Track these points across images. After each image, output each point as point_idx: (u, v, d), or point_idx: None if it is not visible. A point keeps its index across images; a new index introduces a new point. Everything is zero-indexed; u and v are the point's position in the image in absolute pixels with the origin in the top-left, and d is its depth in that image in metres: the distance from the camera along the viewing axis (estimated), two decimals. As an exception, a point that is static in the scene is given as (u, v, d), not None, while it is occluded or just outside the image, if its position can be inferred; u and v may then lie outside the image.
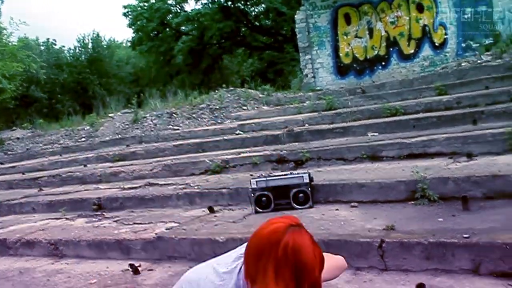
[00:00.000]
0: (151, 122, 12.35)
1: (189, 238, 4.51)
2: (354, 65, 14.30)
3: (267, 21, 28.21)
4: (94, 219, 6.34)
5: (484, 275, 3.11)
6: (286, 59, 26.09)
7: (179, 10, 26.90)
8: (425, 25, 13.30)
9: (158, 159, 8.81)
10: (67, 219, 6.68)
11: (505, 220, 3.57)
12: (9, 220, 7.34)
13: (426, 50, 13.34)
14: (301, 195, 4.99)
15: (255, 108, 11.80)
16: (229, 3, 24.96)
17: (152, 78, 34.01)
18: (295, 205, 4.99)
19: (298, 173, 5.16)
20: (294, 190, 5.00)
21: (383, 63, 13.98)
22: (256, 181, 5.14)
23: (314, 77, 14.45)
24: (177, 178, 7.46)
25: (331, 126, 7.96)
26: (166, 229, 5.00)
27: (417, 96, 9.21)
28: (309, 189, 4.97)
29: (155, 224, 5.34)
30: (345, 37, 14.35)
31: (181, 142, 9.75)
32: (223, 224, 4.79)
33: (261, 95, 12.91)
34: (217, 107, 12.13)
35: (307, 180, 4.99)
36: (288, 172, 5.46)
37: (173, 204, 6.19)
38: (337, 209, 4.74)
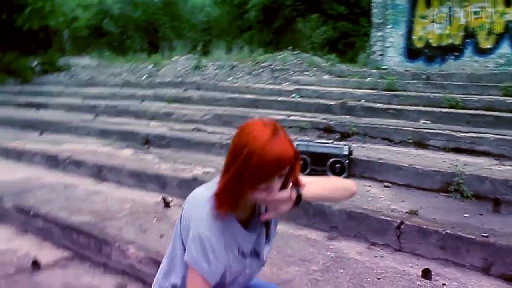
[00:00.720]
0: (212, 71, 12.55)
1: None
2: (426, 51, 13.89)
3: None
4: (140, 152, 6.65)
5: (493, 276, 3.14)
6: (359, 33, 25.54)
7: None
8: (509, 21, 12.72)
9: (211, 107, 9.00)
10: (115, 147, 7.02)
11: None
12: (63, 139, 7.77)
13: (505, 48, 12.76)
14: (337, 165, 5.07)
15: (316, 75, 11.76)
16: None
17: (222, 29, 34.13)
18: (330, 174, 5.08)
19: (339, 144, 5.23)
20: (332, 160, 5.08)
21: (456, 54, 13.51)
22: (297, 144, 5.24)
23: (382, 55, 14.16)
24: (225, 128, 7.64)
25: (386, 106, 7.89)
26: (203, 172, 5.21)
27: (482, 92, 8.92)
28: (347, 161, 5.04)
29: (194, 166, 5.56)
30: (422, 20, 13.91)
31: (236, 95, 9.90)
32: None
33: (324, 64, 12.83)
34: (279, 68, 12.17)
35: (346, 152, 5.06)
36: (330, 141, 5.53)
37: (216, 152, 6.38)
38: (369, 185, 4.80)
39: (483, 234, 3.28)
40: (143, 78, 13.16)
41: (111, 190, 5.34)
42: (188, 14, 41.12)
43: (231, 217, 1.69)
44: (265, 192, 1.59)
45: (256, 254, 1.84)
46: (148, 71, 13.76)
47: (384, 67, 13.52)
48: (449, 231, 3.35)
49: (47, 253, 3.97)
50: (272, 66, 12.34)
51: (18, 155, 6.93)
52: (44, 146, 7.08)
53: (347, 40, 26.50)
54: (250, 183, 1.56)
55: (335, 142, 5.51)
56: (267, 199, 1.62)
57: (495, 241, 3.19)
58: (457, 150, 5.79)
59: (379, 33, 14.17)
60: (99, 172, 5.87)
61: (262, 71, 12.15)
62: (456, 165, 4.55)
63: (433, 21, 13.78)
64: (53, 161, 6.46)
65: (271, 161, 1.53)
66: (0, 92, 13.51)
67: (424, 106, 8.06)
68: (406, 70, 12.08)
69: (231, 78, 11.89)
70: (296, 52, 13.66)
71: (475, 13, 13.11)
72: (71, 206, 4.65)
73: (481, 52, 13.11)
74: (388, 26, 14.15)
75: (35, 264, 3.66)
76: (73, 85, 13.55)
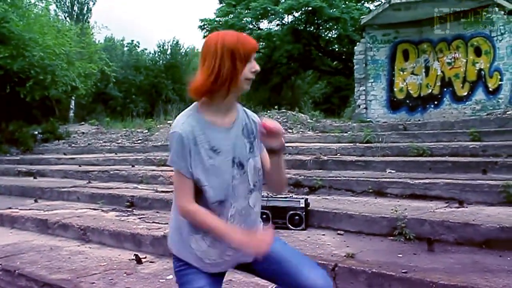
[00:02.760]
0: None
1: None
2: (407, 101, 14.59)
3: (339, 46, 28.66)
4: (123, 214, 7.14)
5: (412, 308, 3.55)
6: (352, 86, 26.44)
7: (254, 27, 27.87)
8: (481, 69, 13.40)
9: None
10: (102, 210, 7.52)
11: (452, 263, 3.98)
12: (55, 205, 8.29)
13: (480, 94, 13.42)
14: (296, 217, 5.53)
15: (300, 132, 12.35)
16: (301, 26, 25.63)
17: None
18: (290, 225, 5.54)
19: (296, 197, 5.72)
20: (291, 212, 5.55)
21: (436, 102, 14.18)
22: (259, 200, 5.73)
23: (366, 108, 14.84)
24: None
25: (354, 158, 8.40)
26: (175, 231, 5.68)
27: (451, 139, 9.43)
28: (304, 213, 5.51)
29: (169, 225, 6.02)
30: (401, 72, 14.68)
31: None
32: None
33: (309, 120, 13.46)
34: (265, 127, 12.74)
35: (302, 205, 5.53)
36: (288, 195, 6.01)
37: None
38: (323, 234, 5.25)
39: (403, 271, 3.71)
40: (137, 143, 13.80)
41: (92, 250, 5.80)
42: (189, 76, 42.43)
43: (200, 114, 2.12)
44: (250, 71, 2.09)
45: (240, 164, 2.14)
46: (142, 135, 14.43)
47: (369, 119, 14.15)
48: (374, 270, 3.78)
49: (28, 310, 4.41)
50: (259, 126, 12.91)
51: (11, 221, 7.43)
52: (36, 212, 7.60)
53: (340, 94, 27.41)
54: (241, 64, 2.04)
55: (294, 196, 6.00)
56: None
57: (411, 276, 3.62)
58: (413, 196, 6.24)
59: (362, 88, 14.89)
60: (84, 234, 6.35)
61: (248, 130, 12.71)
62: (396, 210, 5.00)
63: (412, 73, 14.52)
64: (43, 226, 6.95)
65: (251, 41, 2.09)
66: (3, 161, 14.16)
67: (394, 156, 8.56)
68: (384, 122, 12.65)
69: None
70: (282, 110, 14.32)
71: (448, 63, 13.86)
72: (53, 265, 5.11)
73: (459, 99, 13.78)
74: (370, 81, 14.90)
75: (13, 319, 4.11)
76: (71, 152, 14.20)
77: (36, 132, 16.50)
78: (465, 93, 13.67)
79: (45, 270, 4.89)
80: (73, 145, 15.25)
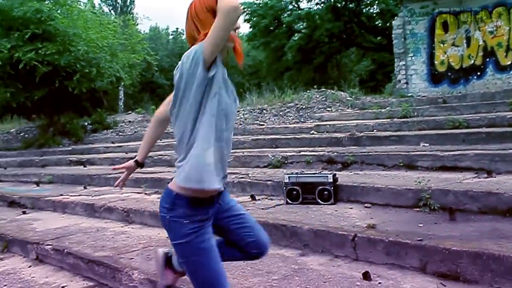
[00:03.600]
0: (242, 116, 13.43)
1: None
2: (449, 74, 14.33)
3: (382, 22, 28.24)
4: (164, 196, 7.50)
5: (429, 274, 3.67)
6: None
7: (294, 7, 27.83)
8: (525, 36, 13.04)
9: (235, 150, 9.80)
10: (145, 193, 7.93)
11: (470, 231, 4.08)
12: (102, 190, 8.77)
13: (525, 62, 13.08)
14: (325, 192, 5.71)
15: (339, 110, 12.42)
16: (341, 3, 25.40)
17: (264, 73, 35.40)
18: (319, 200, 5.72)
19: (324, 173, 5.89)
20: (320, 188, 5.73)
21: (479, 73, 13.89)
22: (288, 177, 5.95)
23: (407, 83, 14.69)
24: (243, 169, 8.41)
25: (388, 133, 8.47)
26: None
27: (490, 110, 9.35)
28: (332, 188, 5.67)
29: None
30: (441, 45, 14.42)
31: (260, 137, 10.69)
32: (253, 210, 5.65)
33: (349, 98, 13.47)
34: (304, 106, 12.92)
35: (331, 180, 5.69)
36: (317, 171, 6.19)
37: (228, 190, 7.13)
38: (351, 208, 5.41)
39: (418, 239, 3.85)
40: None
41: (134, 230, 6.17)
42: (234, 61, 42.81)
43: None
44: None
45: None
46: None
47: (410, 94, 14.02)
48: (391, 239, 3.93)
49: (75, 284, 4.77)
50: (297, 105, 13.11)
51: (63, 207, 7.94)
52: (85, 197, 8.09)
53: (384, 70, 27.04)
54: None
55: (322, 172, 6.15)
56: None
57: (425, 244, 3.75)
58: (443, 168, 6.31)
59: (402, 62, 14.73)
60: (127, 216, 6.74)
61: (288, 111, 12.92)
62: (420, 182, 5.10)
63: (452, 45, 14.24)
64: (91, 210, 7.41)
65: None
66: (56, 152, 14.89)
67: (429, 129, 8.57)
68: (424, 96, 12.51)
69: (259, 121, 12.71)
70: (322, 89, 14.37)
71: (490, 32, 13.50)
72: (97, 244, 5.50)
73: (502, 69, 13.45)
74: (410, 55, 14.72)
75: (62, 292, 4.50)
76: (118, 140, 14.77)
77: (86, 123, 17.24)
78: (509, 62, 13.34)
79: (90, 249, 5.27)
80: (120, 133, 15.84)
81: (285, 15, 27.10)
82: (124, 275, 4.43)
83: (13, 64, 14.00)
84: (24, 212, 8.16)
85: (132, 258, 4.81)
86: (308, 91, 14.56)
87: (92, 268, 4.88)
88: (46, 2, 15.00)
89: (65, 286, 4.55)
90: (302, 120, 12.03)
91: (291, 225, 4.66)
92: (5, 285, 4.87)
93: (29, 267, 5.52)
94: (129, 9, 38.75)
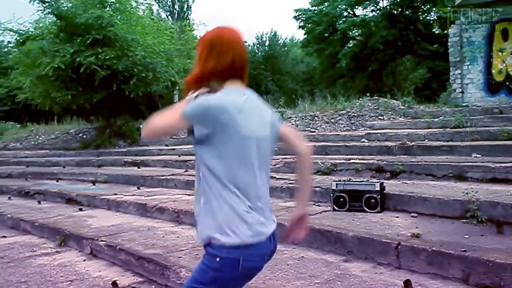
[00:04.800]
0: (294, 123, 13.50)
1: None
2: (507, 83, 13.92)
3: (439, 29, 27.70)
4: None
5: (472, 285, 3.67)
6: (452, 70, 25.52)
7: (349, 14, 27.73)
8: None
9: (284, 156, 9.90)
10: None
11: (518, 244, 4.04)
12: (155, 191, 9.06)
13: None
14: (372, 200, 5.74)
15: (391, 119, 12.31)
16: (397, 10, 25.11)
17: (321, 78, 35.36)
18: (366, 208, 5.75)
19: (371, 181, 5.91)
20: (367, 196, 5.76)
21: (539, 83, 13.47)
22: (336, 184, 6.01)
23: (462, 92, 14.37)
24: (292, 175, 8.48)
25: (440, 143, 8.36)
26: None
27: (549, 122, 9.08)
28: (379, 196, 5.69)
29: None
30: (500, 53, 14.04)
31: (310, 143, 10.70)
32: (300, 215, 5.74)
33: (401, 107, 13.32)
34: (355, 114, 12.88)
35: (378, 188, 5.72)
36: (365, 180, 6.20)
37: (277, 195, 7.26)
38: (397, 217, 5.42)
39: (462, 250, 3.84)
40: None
41: (184, 231, 6.37)
42: (288, 67, 43.06)
43: None
44: None
45: None
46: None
47: (465, 104, 13.68)
48: (434, 249, 3.94)
49: (126, 279, 5.00)
50: (349, 113, 13.07)
51: (116, 206, 8.27)
52: (138, 197, 8.39)
53: (440, 79, 26.47)
54: None
55: (370, 180, 6.17)
56: None
57: (469, 255, 3.74)
58: (493, 180, 6.21)
59: (457, 71, 14.45)
60: (177, 217, 6.97)
61: (339, 119, 12.92)
62: (467, 193, 5.05)
63: (511, 53, 13.84)
64: (143, 210, 7.69)
65: None
66: (112, 153, 15.41)
67: (483, 140, 8.41)
68: (478, 106, 12.21)
69: (310, 128, 12.76)
70: (374, 97, 14.26)
71: (551, 40, 13.06)
72: (148, 242, 5.73)
73: None
74: (466, 64, 14.41)
75: (114, 284, 4.72)
76: (172, 143, 15.15)
77: (141, 126, 17.72)
78: None
79: (141, 246, 5.50)
80: (174, 137, 16.23)
81: (340, 22, 27.03)
82: (172, 273, 4.62)
83: (75, 68, 14.61)
84: (80, 209, 8.53)
85: (180, 257, 4.99)
86: (360, 99, 14.48)
87: (142, 264, 5.09)
88: (107, 9, 15.58)
89: (117, 280, 4.76)
90: (353, 128, 12.01)
91: (336, 231, 4.73)
92: (62, 277, 5.16)
93: (84, 261, 5.80)
94: (185, 15, 39.63)
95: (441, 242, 4.14)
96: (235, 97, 2.13)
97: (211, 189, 2.10)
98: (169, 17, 38.32)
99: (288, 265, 4.43)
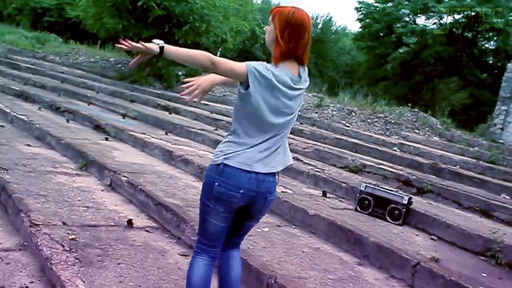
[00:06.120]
0: (330, 112, 13.46)
1: (290, 203, 5.57)
2: (549, 134, 13.69)
3: (493, 59, 27.20)
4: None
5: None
6: (496, 103, 25.08)
7: (410, 20, 27.24)
8: None
9: (316, 143, 9.90)
10: (222, 157, 8.17)
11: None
12: (182, 141, 9.12)
13: None
14: (396, 211, 5.71)
15: (426, 135, 12.21)
16: (459, 30, 24.60)
17: (364, 75, 34.96)
18: (388, 218, 5.74)
19: (401, 193, 5.87)
20: (392, 206, 5.74)
21: None
22: (365, 185, 5.99)
23: (502, 129, 14.15)
24: (320, 163, 8.49)
25: (471, 173, 8.28)
26: (281, 192, 6.12)
27: None
28: (404, 209, 5.67)
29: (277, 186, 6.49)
30: (551, 102, 13.76)
31: (343, 137, 10.71)
32: (323, 206, 5.76)
33: (439, 126, 13.19)
34: (392, 121, 12.78)
35: (405, 202, 5.69)
36: (394, 189, 6.17)
37: (302, 179, 7.27)
38: (417, 235, 5.41)
39: (480, 287, 3.83)
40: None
41: (205, 188, 6.42)
42: (334, 55, 42.57)
43: None
44: None
45: None
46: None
47: (502, 141, 13.49)
48: (453, 278, 3.92)
49: (140, 220, 5.06)
50: (386, 118, 12.98)
51: (142, 145, 8.33)
52: (165, 143, 8.45)
53: (481, 108, 26.05)
54: None
55: (398, 191, 6.14)
56: None
57: (485, 294, 3.73)
58: (520, 226, 6.15)
59: (503, 107, 14.20)
60: (201, 173, 6.99)
61: (376, 121, 12.83)
62: (494, 232, 5.01)
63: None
64: (167, 156, 7.74)
65: None
66: (146, 92, 15.51)
67: (517, 183, 8.31)
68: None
69: (345, 121, 12.70)
70: (415, 110, 14.12)
71: None
72: (169, 191, 5.78)
73: None
74: (514, 102, 14.12)
75: (129, 223, 4.78)
76: (206, 99, 15.17)
77: (180, 73, 17.78)
78: None
79: (162, 193, 5.55)
80: (209, 93, 16.25)
81: (399, 25, 26.56)
82: (189, 227, 4.65)
83: (133, 0, 14.61)
84: (106, 139, 8.64)
85: (198, 214, 5.02)
86: (400, 106, 14.35)
87: (159, 211, 5.14)
88: None
89: (132, 219, 4.82)
90: (388, 134, 11.94)
91: (358, 232, 4.73)
92: (79, 201, 5.24)
93: (102, 191, 5.87)
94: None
95: (459, 274, 4.12)
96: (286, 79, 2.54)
97: None
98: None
99: (303, 252, 4.45)
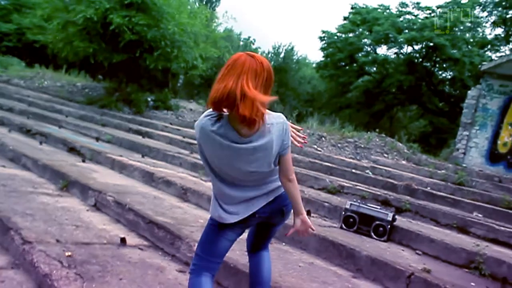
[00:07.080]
0: (301, 137, 13.65)
1: (278, 221, 5.65)
2: (508, 157, 14.26)
3: (450, 88, 28.21)
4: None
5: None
6: (454, 131, 25.96)
7: (370, 50, 28.07)
8: None
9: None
10: (201, 179, 8.19)
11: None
12: (160, 164, 9.11)
13: None
14: (381, 228, 5.88)
15: (395, 159, 12.55)
16: (418, 60, 25.53)
17: (324, 103, 35.58)
18: (373, 234, 5.89)
19: (385, 210, 6.05)
20: (376, 223, 5.90)
21: (539, 164, 13.81)
22: (350, 203, 6.15)
23: (464, 153, 14.68)
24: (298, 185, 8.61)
25: (443, 194, 8.58)
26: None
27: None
28: (389, 226, 5.84)
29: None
30: (509, 127, 14.37)
31: (317, 161, 10.91)
32: (309, 224, 5.86)
33: (406, 151, 13.58)
34: (362, 146, 13.10)
35: (389, 218, 5.86)
36: (378, 206, 6.35)
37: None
38: (403, 250, 5.57)
39: (472, 296, 4.00)
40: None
41: (190, 209, 6.44)
42: (295, 83, 43.17)
43: None
44: None
45: None
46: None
47: (464, 165, 13.97)
48: (447, 286, 4.08)
49: (131, 239, 5.03)
50: (356, 143, 13.29)
51: (121, 167, 8.29)
52: (143, 165, 8.42)
53: (440, 136, 26.89)
54: None
55: (382, 208, 6.32)
56: None
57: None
58: (495, 241, 6.41)
59: (465, 132, 14.74)
60: (184, 194, 7.03)
61: (346, 146, 13.12)
62: (478, 245, 5.22)
63: (521, 130, 14.17)
64: (148, 178, 7.73)
65: None
66: (116, 117, 15.42)
67: (484, 202, 8.63)
68: (480, 170, 12.49)
69: (316, 146, 12.94)
70: (382, 135, 14.52)
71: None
72: (157, 210, 5.78)
73: None
74: (475, 127, 14.71)
75: (122, 241, 4.77)
76: (177, 124, 15.23)
77: (149, 99, 17.77)
78: None
79: (151, 212, 5.56)
80: (179, 117, 16.32)
81: (361, 54, 27.36)
82: (184, 244, 4.67)
83: (104, 24, 14.64)
84: (83, 161, 8.56)
85: (192, 232, 5.06)
86: (369, 132, 14.73)
87: (151, 229, 5.14)
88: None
89: (124, 237, 4.80)
90: (358, 158, 12.22)
91: (350, 247, 4.85)
92: (67, 220, 5.19)
93: (87, 211, 5.82)
94: (213, 5, 39.71)
95: (452, 283, 4.28)
96: None
97: None
98: (196, 3, 38.37)
99: (300, 266, 4.54)
